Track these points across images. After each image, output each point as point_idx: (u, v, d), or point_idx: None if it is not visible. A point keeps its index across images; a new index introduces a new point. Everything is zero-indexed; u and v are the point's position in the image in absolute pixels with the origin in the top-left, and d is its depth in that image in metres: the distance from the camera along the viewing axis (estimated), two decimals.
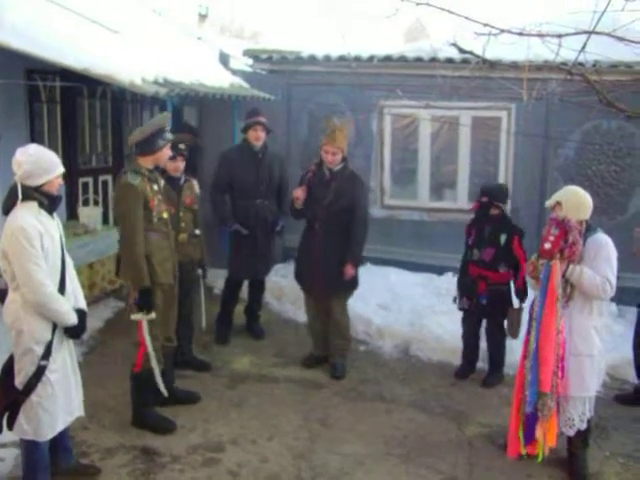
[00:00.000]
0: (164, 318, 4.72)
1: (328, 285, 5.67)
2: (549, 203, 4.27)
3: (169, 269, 4.72)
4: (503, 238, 5.58)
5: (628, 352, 5.66)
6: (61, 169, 3.75)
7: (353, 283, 5.80)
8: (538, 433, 4.09)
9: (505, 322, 5.72)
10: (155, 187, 4.62)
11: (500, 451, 4.63)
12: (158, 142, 4.55)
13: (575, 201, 4.17)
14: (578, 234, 4.02)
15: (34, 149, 3.69)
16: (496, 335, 5.76)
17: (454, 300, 5.92)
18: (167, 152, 4.70)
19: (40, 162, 3.62)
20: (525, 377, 4.10)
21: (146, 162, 4.58)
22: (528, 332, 4.13)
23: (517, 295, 5.65)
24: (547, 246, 3.99)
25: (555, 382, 4.00)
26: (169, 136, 4.67)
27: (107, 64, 5.77)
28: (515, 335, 5.66)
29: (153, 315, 4.53)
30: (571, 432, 4.21)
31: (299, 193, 5.63)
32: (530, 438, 4.17)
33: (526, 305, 5.64)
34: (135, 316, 4.51)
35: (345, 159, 5.70)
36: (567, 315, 4.11)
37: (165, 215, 4.69)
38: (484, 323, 5.85)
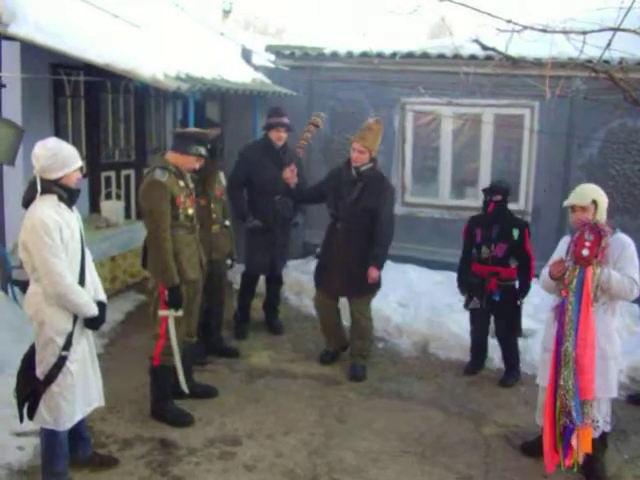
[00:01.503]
0: (186, 314, 4.74)
1: (347, 285, 5.66)
2: (581, 202, 4.15)
3: (196, 264, 4.78)
4: (516, 233, 5.57)
5: None
6: (79, 163, 3.77)
7: (375, 285, 5.75)
8: (574, 441, 3.99)
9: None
10: (181, 183, 4.62)
11: (517, 452, 4.60)
12: (192, 147, 4.57)
13: (605, 200, 4.13)
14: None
15: (52, 143, 3.73)
16: (509, 335, 5.73)
17: (465, 304, 5.89)
18: (193, 163, 4.67)
19: (58, 156, 3.65)
20: (562, 388, 3.96)
21: (175, 159, 4.60)
22: (560, 339, 4.01)
23: (520, 290, 5.64)
24: (585, 253, 3.93)
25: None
26: (202, 151, 4.64)
27: (129, 59, 5.80)
28: (519, 333, 5.67)
29: (181, 313, 4.59)
30: (596, 434, 4.14)
31: (287, 174, 5.70)
32: (568, 448, 4.07)
33: (536, 304, 5.63)
34: (163, 313, 4.57)
35: (374, 160, 5.66)
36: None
37: (190, 211, 4.71)
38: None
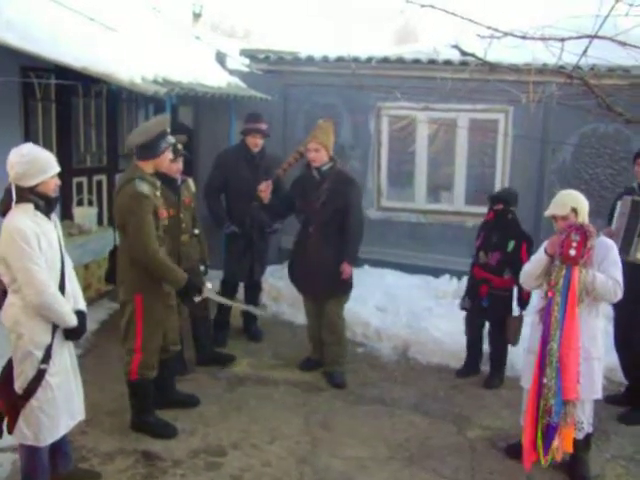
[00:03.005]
0: (162, 325, 4.62)
1: (324, 287, 5.63)
2: (561, 211, 4.19)
3: None
4: (511, 244, 5.56)
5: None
6: (56, 169, 3.65)
7: (348, 285, 5.72)
8: (556, 441, 4.05)
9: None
10: (157, 193, 4.47)
11: (501, 454, 4.63)
12: (161, 145, 4.37)
13: (584, 205, 4.18)
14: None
15: (28, 149, 3.62)
16: (498, 338, 5.74)
17: (460, 303, 5.92)
18: (168, 155, 4.50)
19: (33, 162, 3.54)
20: (545, 387, 4.03)
21: (147, 166, 4.39)
22: (545, 340, 4.07)
23: (519, 302, 5.64)
24: (573, 253, 3.97)
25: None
26: (171, 139, 4.48)
27: (105, 62, 5.70)
28: (514, 342, 5.67)
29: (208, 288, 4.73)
30: (580, 435, 4.19)
31: (262, 187, 5.65)
32: (548, 448, 4.12)
33: (527, 313, 5.66)
34: (197, 298, 4.65)
35: (332, 158, 5.63)
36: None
37: (166, 222, 4.62)
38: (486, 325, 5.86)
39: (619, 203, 5.20)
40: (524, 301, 5.58)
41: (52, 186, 3.66)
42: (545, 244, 4.24)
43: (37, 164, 3.56)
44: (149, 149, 4.35)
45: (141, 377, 4.56)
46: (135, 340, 4.49)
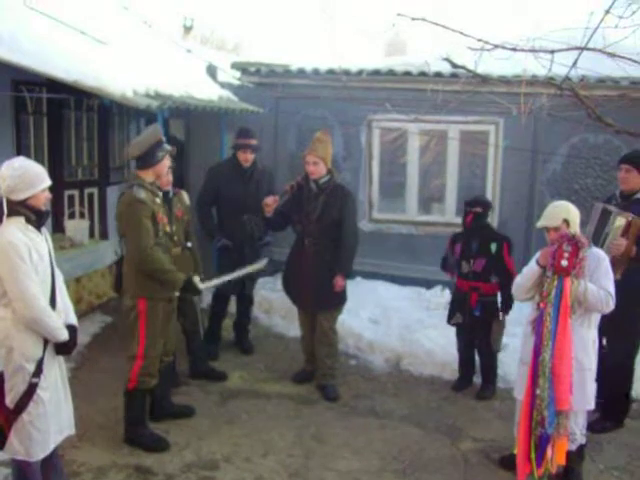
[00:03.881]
0: (163, 332, 4.69)
1: (317, 300, 5.62)
2: (552, 223, 4.21)
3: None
4: (494, 247, 5.61)
5: None
6: (47, 183, 3.64)
7: (341, 298, 5.73)
8: (549, 452, 4.05)
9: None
10: (158, 200, 4.64)
11: (495, 466, 4.62)
12: (158, 154, 4.56)
13: (575, 215, 4.20)
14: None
15: (19, 162, 3.61)
16: (488, 348, 5.75)
17: (448, 318, 5.91)
18: (167, 163, 4.71)
19: (24, 176, 3.53)
20: (538, 397, 4.03)
21: (147, 175, 4.58)
22: (538, 350, 4.07)
23: (502, 305, 5.66)
24: (565, 264, 3.98)
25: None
26: (167, 147, 4.68)
27: (97, 76, 5.71)
28: (498, 348, 5.69)
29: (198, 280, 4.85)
30: (573, 447, 4.19)
31: (270, 200, 5.59)
32: (541, 459, 4.12)
33: (510, 318, 5.68)
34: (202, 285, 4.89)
35: (330, 171, 5.66)
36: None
37: (167, 229, 4.75)
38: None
39: (593, 209, 5.18)
40: (508, 305, 5.61)
41: (43, 200, 3.65)
42: (537, 255, 4.25)
43: (28, 178, 3.55)
44: (147, 158, 4.56)
45: (139, 384, 4.59)
46: (138, 346, 4.56)
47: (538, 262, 4.19)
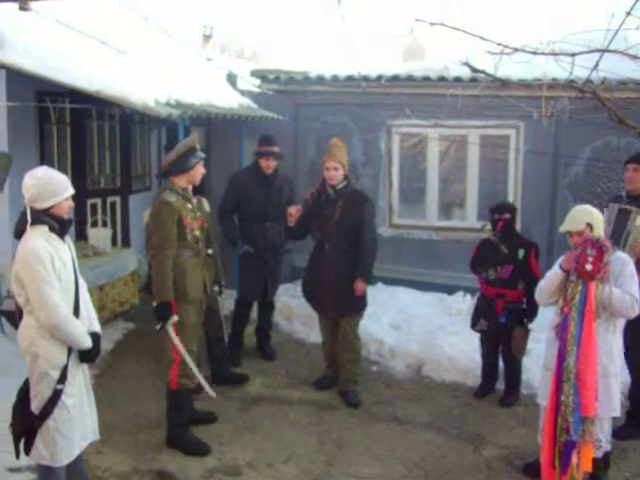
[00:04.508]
0: (195, 334, 4.79)
1: (338, 305, 5.64)
2: (575, 227, 4.18)
3: (200, 285, 4.84)
4: (521, 253, 5.55)
5: None
6: (70, 191, 3.69)
7: (362, 302, 5.74)
8: (574, 459, 3.99)
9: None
10: (189, 205, 4.76)
11: (518, 473, 4.57)
12: (191, 160, 4.69)
13: (599, 219, 4.15)
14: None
15: (42, 172, 3.66)
16: (512, 355, 5.69)
17: (472, 324, 5.86)
18: (200, 169, 4.82)
19: (48, 185, 3.59)
20: (563, 404, 3.97)
21: (180, 181, 4.72)
22: (562, 356, 4.02)
23: (527, 313, 5.59)
24: (589, 268, 3.94)
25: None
26: (201, 154, 4.80)
27: (118, 86, 5.77)
28: (521, 355, 5.63)
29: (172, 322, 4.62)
30: (599, 454, 4.13)
31: (293, 210, 5.64)
32: (566, 466, 4.06)
33: (533, 326, 5.61)
34: (158, 327, 4.63)
35: (347, 177, 5.68)
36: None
37: (197, 233, 4.82)
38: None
39: (606, 211, 5.12)
40: (532, 312, 5.54)
41: (66, 208, 3.70)
42: (560, 260, 4.22)
43: (51, 186, 3.60)
44: (180, 164, 4.70)
45: (180, 386, 4.68)
46: (172, 348, 4.63)
47: (561, 266, 4.15)
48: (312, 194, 5.73)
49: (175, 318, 4.61)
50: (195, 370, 4.78)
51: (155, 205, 4.71)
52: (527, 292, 5.53)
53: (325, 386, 5.90)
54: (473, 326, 5.86)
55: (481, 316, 5.76)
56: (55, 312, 3.51)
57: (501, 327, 5.62)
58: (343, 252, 5.60)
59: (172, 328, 4.61)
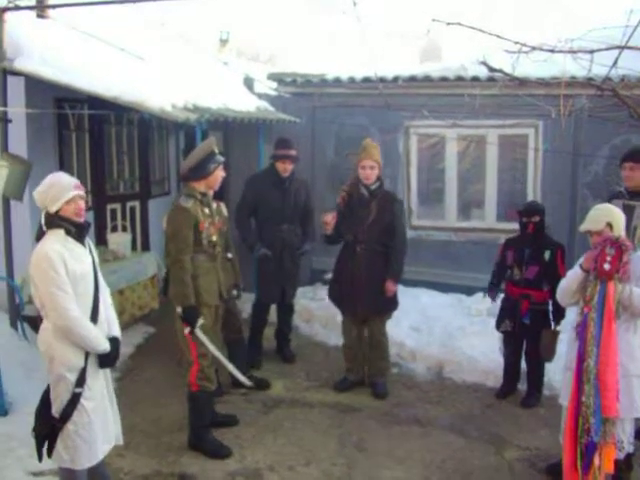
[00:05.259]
0: (213, 338, 4.79)
1: (371, 306, 5.66)
2: (595, 227, 4.14)
3: (215, 290, 4.85)
4: (547, 254, 5.50)
5: None
6: (71, 193, 3.64)
7: (394, 303, 5.81)
8: (596, 460, 3.94)
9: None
10: (207, 210, 4.78)
11: (541, 475, 4.54)
12: (209, 166, 4.70)
13: (620, 218, 4.10)
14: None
15: (50, 177, 3.70)
16: (537, 356, 5.63)
17: (497, 324, 5.82)
18: (220, 174, 4.82)
19: (51, 189, 3.61)
20: (584, 404, 3.93)
21: (199, 186, 4.74)
22: (582, 356, 3.99)
23: (554, 315, 5.53)
24: (607, 267, 3.89)
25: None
26: (220, 158, 4.80)
27: (136, 91, 5.81)
28: (550, 358, 5.57)
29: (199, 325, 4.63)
30: (621, 455, 4.08)
31: (329, 218, 5.57)
32: (588, 467, 4.02)
33: (561, 328, 5.55)
34: (187, 330, 4.61)
35: (380, 178, 5.70)
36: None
37: (214, 238, 4.83)
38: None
39: None
40: (560, 314, 5.48)
41: (72, 210, 3.65)
42: (581, 259, 4.18)
43: (55, 190, 3.62)
44: (199, 170, 4.71)
45: (201, 388, 4.71)
46: (191, 351, 4.66)
47: (581, 266, 4.11)
48: (343, 197, 5.71)
49: (202, 321, 4.63)
50: (230, 366, 4.87)
51: (171, 211, 4.72)
52: (553, 294, 5.48)
53: (345, 388, 5.90)
54: (498, 327, 5.81)
55: (505, 317, 5.71)
56: (64, 315, 3.51)
57: (525, 328, 5.57)
58: (375, 253, 5.62)
59: (201, 331, 4.63)
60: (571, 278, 4.21)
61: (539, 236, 5.58)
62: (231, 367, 4.92)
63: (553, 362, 5.81)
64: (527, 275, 5.54)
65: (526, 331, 5.58)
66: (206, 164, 4.69)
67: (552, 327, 5.54)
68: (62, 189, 3.64)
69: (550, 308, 5.56)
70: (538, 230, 5.57)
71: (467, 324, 7.09)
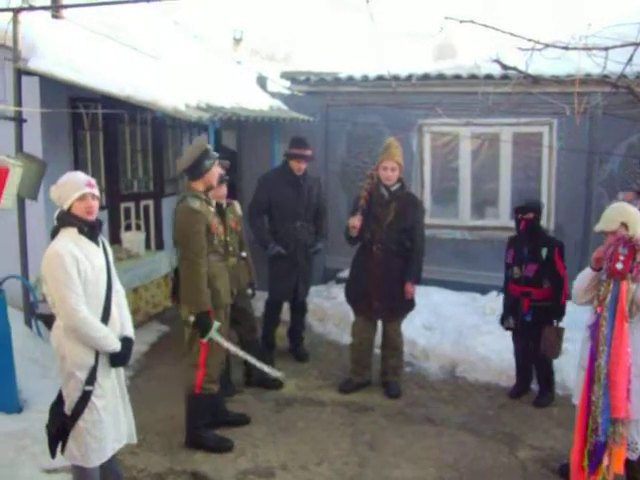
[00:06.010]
0: (227, 336, 4.81)
1: (388, 306, 5.66)
2: (610, 227, 4.10)
3: (226, 290, 4.85)
4: (544, 252, 5.50)
5: None
6: (82, 191, 3.64)
7: (411, 304, 5.81)
8: (605, 461, 3.91)
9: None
10: (212, 209, 4.74)
11: (554, 475, 4.51)
12: (205, 164, 4.63)
13: (635, 217, 4.06)
14: None
15: (65, 175, 3.73)
16: (543, 356, 5.60)
17: (501, 321, 5.83)
18: (217, 170, 4.77)
19: (64, 187, 3.63)
20: (593, 404, 3.91)
21: (198, 186, 4.68)
22: (594, 356, 3.96)
23: (554, 313, 5.50)
24: (619, 267, 3.86)
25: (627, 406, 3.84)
26: (214, 154, 4.74)
27: (149, 90, 5.83)
28: (554, 355, 5.54)
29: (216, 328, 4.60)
30: (635, 456, 4.04)
31: (356, 222, 5.52)
32: (595, 467, 3.98)
33: (569, 322, 5.52)
34: (206, 339, 4.57)
35: (401, 179, 5.68)
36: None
37: (223, 237, 4.83)
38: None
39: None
40: (560, 311, 5.47)
41: (83, 208, 3.64)
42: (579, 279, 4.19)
43: (67, 187, 3.63)
44: (196, 170, 4.65)
45: (204, 391, 4.70)
46: (199, 355, 4.64)
47: (591, 265, 4.08)
48: (365, 197, 5.66)
49: (218, 324, 4.60)
50: (255, 361, 4.89)
51: (181, 213, 4.60)
52: (553, 291, 5.47)
53: (350, 390, 5.86)
54: (502, 322, 5.83)
55: (508, 314, 5.72)
56: (72, 315, 3.51)
57: (527, 326, 5.57)
58: (392, 253, 5.61)
59: (219, 334, 4.61)
60: (582, 278, 4.19)
61: (535, 234, 5.58)
62: (256, 361, 4.89)
63: (566, 362, 5.79)
64: (526, 273, 5.55)
65: (529, 329, 5.58)
66: (202, 162, 4.62)
67: (553, 324, 5.51)
68: (75, 186, 3.64)
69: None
70: (531, 228, 5.56)
71: (481, 323, 7.06)
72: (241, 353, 4.84)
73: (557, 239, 5.73)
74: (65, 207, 3.63)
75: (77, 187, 3.65)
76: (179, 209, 4.64)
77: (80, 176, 3.74)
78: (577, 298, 4.32)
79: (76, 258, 3.53)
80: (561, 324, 5.50)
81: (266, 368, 4.94)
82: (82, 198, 3.64)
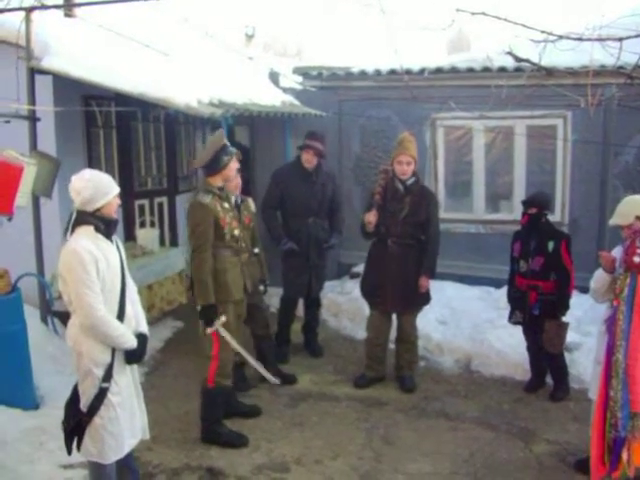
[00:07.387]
0: (235, 333, 4.80)
1: (403, 300, 5.66)
2: (624, 221, 4.06)
3: (240, 285, 4.87)
4: (551, 245, 5.48)
5: None
6: (117, 189, 3.73)
7: (427, 298, 5.82)
8: (624, 455, 3.88)
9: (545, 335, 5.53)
10: (226, 205, 4.77)
11: (570, 470, 4.49)
12: (223, 159, 4.67)
13: None
14: None
15: (89, 174, 3.70)
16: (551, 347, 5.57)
17: (509, 316, 5.82)
18: (234, 165, 4.79)
19: (98, 186, 3.62)
20: (611, 399, 3.87)
21: (216, 180, 4.72)
22: (610, 350, 3.92)
23: (559, 307, 5.48)
24: (637, 260, 3.83)
25: None
26: (232, 150, 4.77)
27: (162, 88, 5.85)
28: (555, 350, 5.51)
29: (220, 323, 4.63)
30: None
31: (371, 218, 5.53)
32: (616, 462, 3.96)
33: (584, 316, 5.48)
34: (211, 329, 4.61)
35: (416, 173, 5.67)
36: None
37: (237, 232, 4.84)
38: None
39: None
40: (563, 305, 5.45)
41: (115, 206, 3.73)
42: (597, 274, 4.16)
43: (101, 187, 3.64)
44: (213, 165, 4.69)
45: (217, 384, 4.73)
46: (212, 347, 4.67)
47: (603, 267, 4.06)
48: (380, 192, 5.66)
49: (223, 319, 4.63)
50: (255, 363, 4.92)
51: (190, 207, 4.70)
52: (558, 284, 5.45)
53: (364, 385, 5.87)
54: (509, 319, 5.82)
55: (516, 308, 5.70)
56: (90, 314, 3.53)
57: (535, 319, 5.55)
58: (407, 247, 5.62)
59: (223, 328, 4.64)
60: (597, 278, 4.18)
61: (540, 228, 5.54)
62: (256, 363, 4.94)
63: (582, 356, 5.77)
64: (533, 266, 5.53)
65: (536, 322, 5.55)
66: (220, 157, 4.66)
67: (557, 317, 5.49)
68: (108, 185, 3.67)
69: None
70: (533, 222, 5.53)
71: (495, 317, 7.01)
72: (243, 352, 4.84)
73: (564, 232, 5.71)
74: (96, 206, 3.61)
75: (112, 186, 3.69)
76: (190, 203, 4.74)
77: (105, 176, 3.75)
78: (597, 298, 4.33)
79: (95, 257, 3.55)
80: (568, 319, 5.49)
81: (264, 372, 5.01)
82: (112, 200, 3.69)
